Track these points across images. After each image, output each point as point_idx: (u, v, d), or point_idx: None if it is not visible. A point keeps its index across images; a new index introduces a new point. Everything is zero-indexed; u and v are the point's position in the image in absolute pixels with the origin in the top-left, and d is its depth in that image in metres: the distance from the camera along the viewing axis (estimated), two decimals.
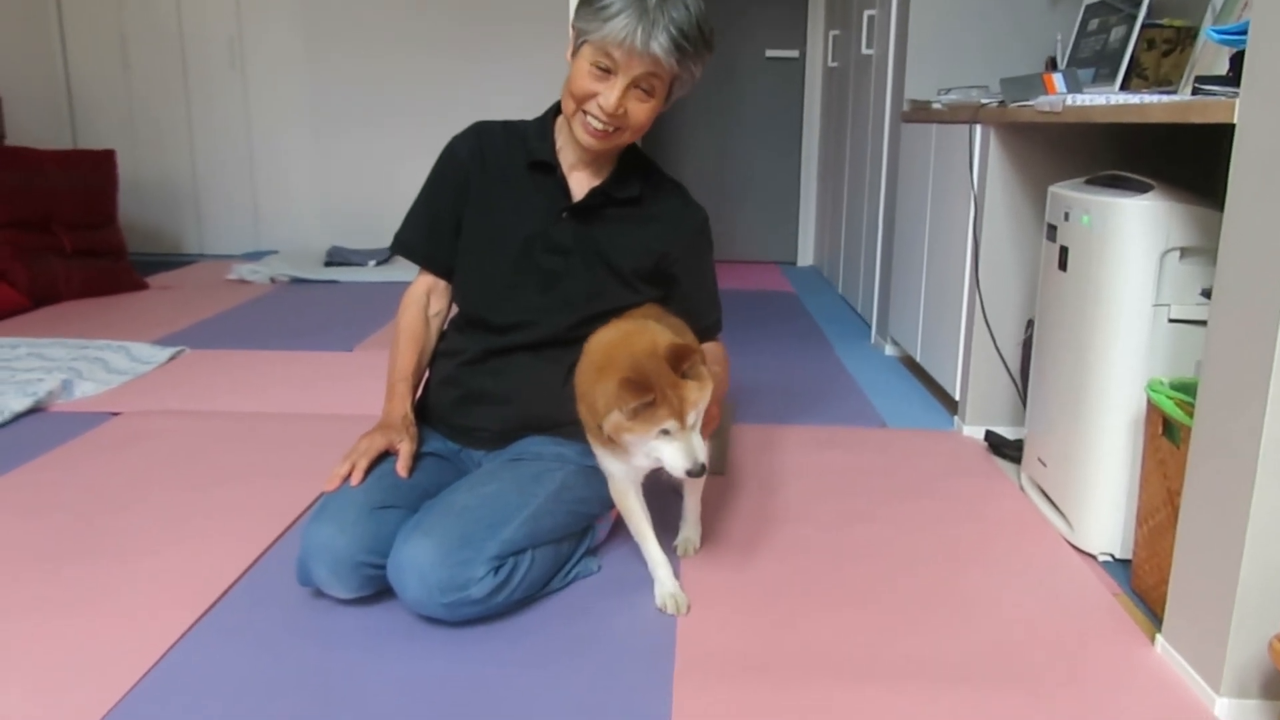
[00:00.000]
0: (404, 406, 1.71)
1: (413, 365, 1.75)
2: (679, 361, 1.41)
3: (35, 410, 2.57)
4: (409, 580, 1.46)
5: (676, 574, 1.65)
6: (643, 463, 1.52)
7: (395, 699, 1.34)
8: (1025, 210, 2.35)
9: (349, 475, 1.58)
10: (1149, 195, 1.69)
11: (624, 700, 1.35)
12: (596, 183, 1.72)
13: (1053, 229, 1.97)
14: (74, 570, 1.69)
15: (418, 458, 1.68)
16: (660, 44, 1.52)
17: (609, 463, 1.59)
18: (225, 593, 1.63)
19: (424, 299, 1.79)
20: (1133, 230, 1.69)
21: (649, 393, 1.39)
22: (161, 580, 1.66)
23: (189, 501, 2.00)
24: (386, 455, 1.65)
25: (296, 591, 1.62)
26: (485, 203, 1.72)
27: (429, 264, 1.78)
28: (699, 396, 1.43)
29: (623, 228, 1.72)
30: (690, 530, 1.81)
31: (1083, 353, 1.81)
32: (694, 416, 1.44)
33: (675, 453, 1.44)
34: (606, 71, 1.56)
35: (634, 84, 1.56)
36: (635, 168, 1.75)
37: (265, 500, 2.00)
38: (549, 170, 1.70)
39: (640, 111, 1.60)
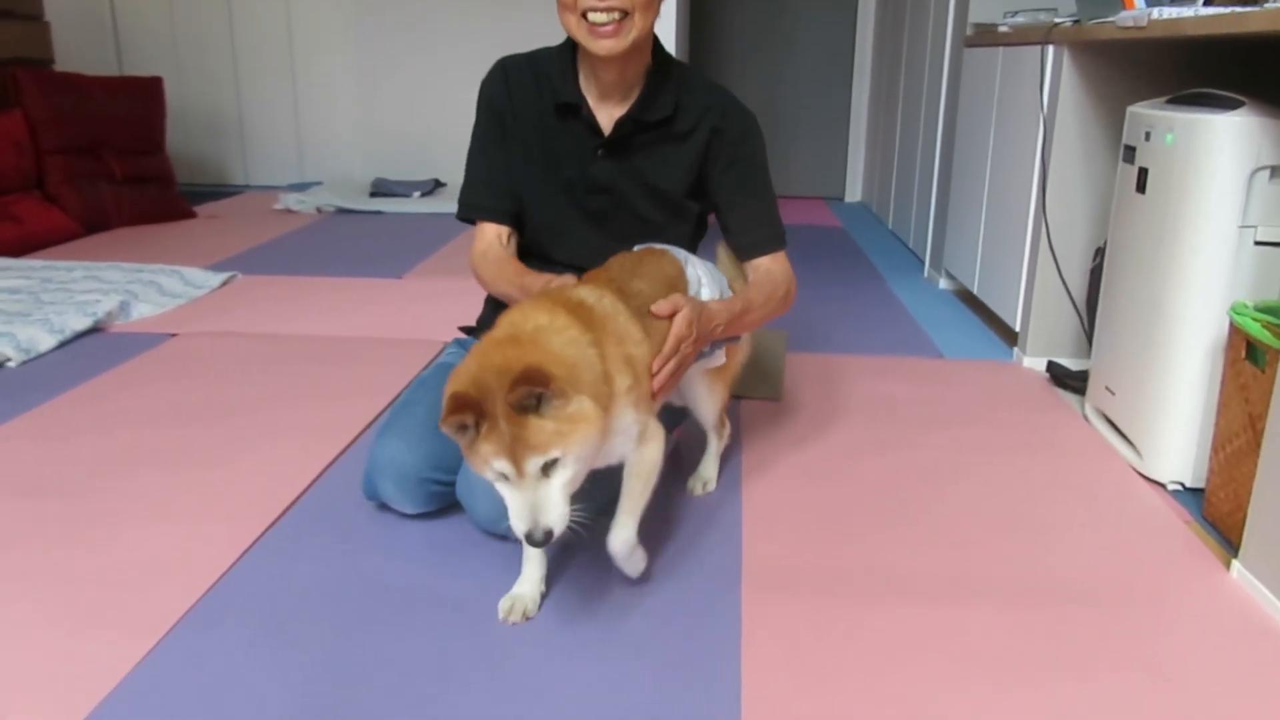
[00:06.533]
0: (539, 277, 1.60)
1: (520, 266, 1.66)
2: (516, 387, 1.08)
3: (95, 330, 2.59)
4: (479, 501, 1.47)
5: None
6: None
7: (454, 612, 1.35)
8: (1097, 134, 2.27)
9: None
10: (1239, 111, 1.62)
11: (695, 614, 1.35)
12: (623, 111, 1.63)
13: (1130, 150, 1.90)
14: (143, 482, 1.72)
15: None
16: None
17: None
18: (291, 505, 1.64)
19: (498, 246, 1.70)
20: (1221, 148, 1.62)
21: (469, 413, 1.10)
22: (229, 493, 1.68)
23: (251, 418, 2.01)
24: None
25: (362, 506, 1.63)
26: (522, 148, 1.67)
27: (504, 219, 1.69)
28: (546, 441, 1.10)
29: (661, 150, 1.65)
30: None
31: (1161, 277, 1.76)
32: (538, 464, 1.11)
33: (510, 507, 1.15)
34: None
35: None
36: (665, 83, 1.63)
37: (326, 418, 2.01)
38: (576, 110, 1.63)
39: None
